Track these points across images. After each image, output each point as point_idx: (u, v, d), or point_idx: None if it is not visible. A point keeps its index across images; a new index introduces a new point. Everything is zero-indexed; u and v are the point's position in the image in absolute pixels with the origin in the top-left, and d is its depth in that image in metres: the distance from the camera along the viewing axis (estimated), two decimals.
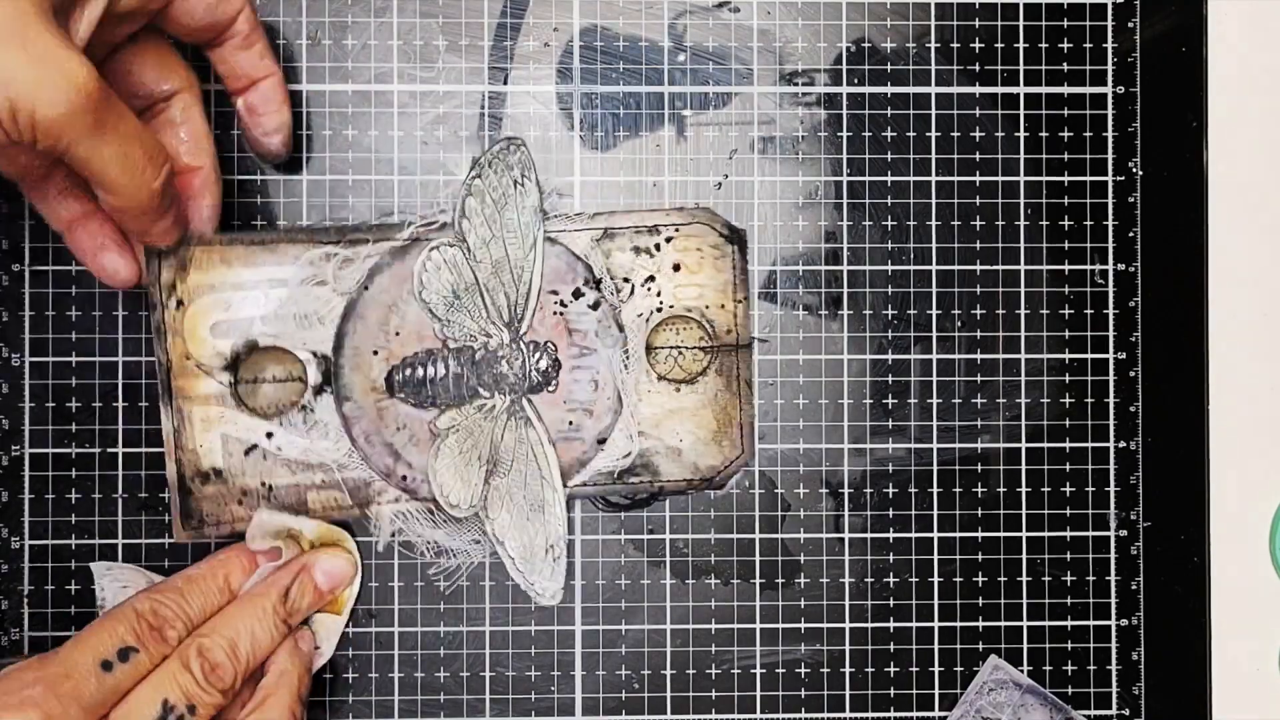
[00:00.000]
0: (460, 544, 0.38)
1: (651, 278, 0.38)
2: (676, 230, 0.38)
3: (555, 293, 0.38)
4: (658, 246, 0.38)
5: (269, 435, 0.37)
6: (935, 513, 0.40)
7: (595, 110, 0.39)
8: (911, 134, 0.40)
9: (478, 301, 0.37)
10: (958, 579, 0.40)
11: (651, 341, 0.38)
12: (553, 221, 0.38)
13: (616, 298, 0.38)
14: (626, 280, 0.38)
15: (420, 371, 0.37)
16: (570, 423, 0.38)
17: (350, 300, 0.37)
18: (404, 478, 0.37)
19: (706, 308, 0.38)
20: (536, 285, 0.37)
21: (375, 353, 0.37)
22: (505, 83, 0.39)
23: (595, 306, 0.37)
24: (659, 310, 0.38)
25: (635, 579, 0.39)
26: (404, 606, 0.39)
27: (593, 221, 0.38)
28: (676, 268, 0.38)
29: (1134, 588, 0.40)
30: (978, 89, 0.40)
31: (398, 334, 0.37)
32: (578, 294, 0.38)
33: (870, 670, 0.39)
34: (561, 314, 0.38)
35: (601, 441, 0.38)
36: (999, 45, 0.40)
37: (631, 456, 0.38)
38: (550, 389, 0.38)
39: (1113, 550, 0.40)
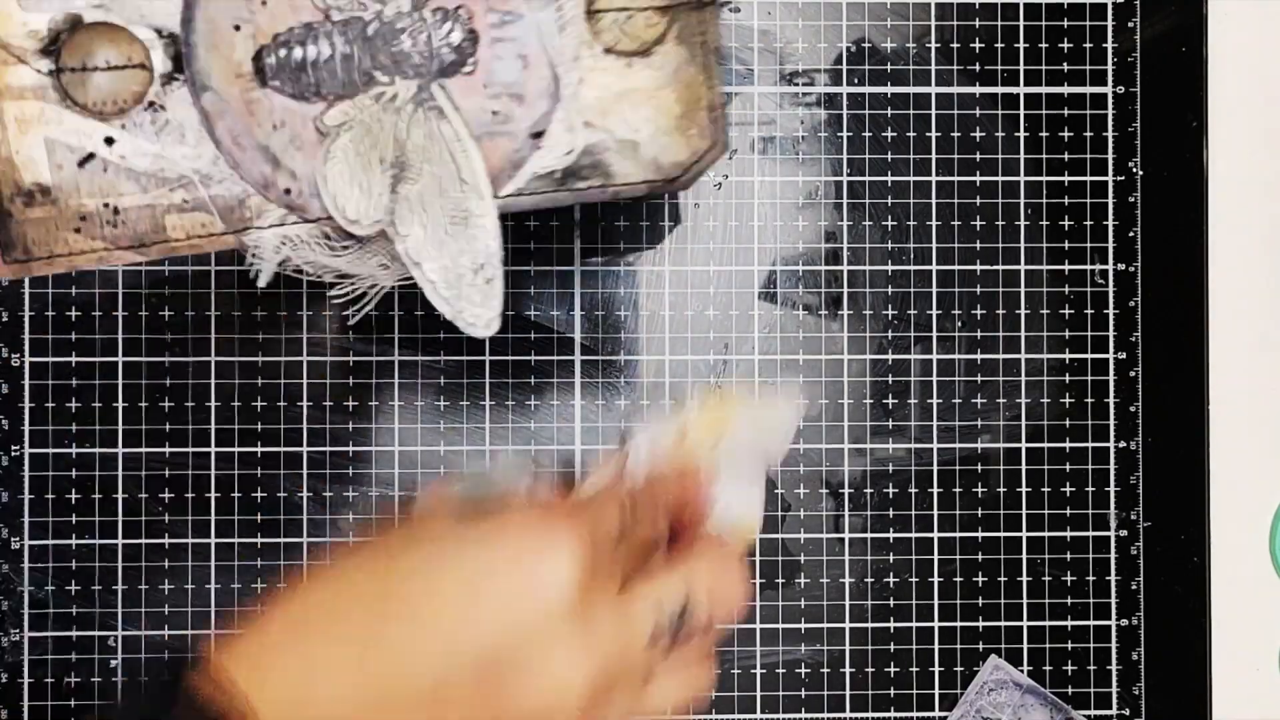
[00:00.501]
0: (366, 269, 0.31)
1: None
2: None
3: None
4: None
5: (109, 141, 0.29)
6: (935, 513, 0.40)
7: None
8: (911, 134, 0.40)
9: None
10: (958, 579, 0.40)
11: (593, 3, 0.30)
12: None
13: None
14: None
15: (298, 52, 0.29)
16: (495, 112, 0.30)
17: None
18: (287, 191, 0.30)
19: None
20: None
21: (237, 28, 0.29)
22: None
23: None
24: None
25: None
26: None
27: None
28: None
29: (1134, 588, 0.40)
30: (978, 89, 0.40)
31: (264, 3, 0.29)
32: None
33: (870, 670, 0.39)
34: None
35: (537, 136, 0.30)
36: (999, 45, 0.40)
37: (575, 154, 0.30)
38: (466, 70, 0.30)
39: (1113, 550, 0.40)
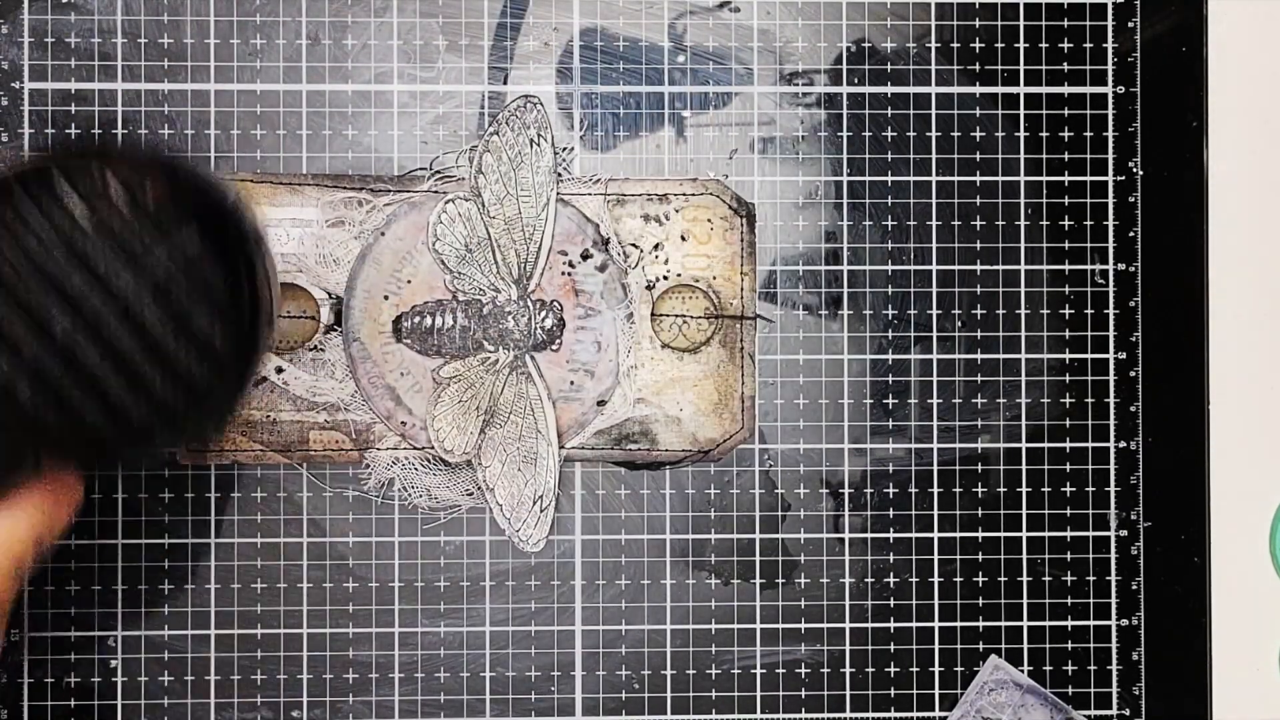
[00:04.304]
0: (453, 495, 0.38)
1: (659, 245, 0.38)
2: (686, 200, 0.38)
3: (564, 253, 0.38)
4: (667, 215, 0.38)
5: (279, 370, 0.38)
6: (935, 513, 0.40)
7: (595, 110, 0.39)
8: (911, 134, 0.40)
9: (489, 256, 0.38)
10: (958, 579, 0.40)
11: (657, 309, 0.39)
12: (566, 183, 0.38)
13: (624, 262, 0.38)
14: (635, 246, 0.38)
15: (428, 320, 0.38)
16: (571, 382, 0.38)
17: (366, 244, 0.38)
18: (403, 423, 0.38)
19: (714, 278, 0.39)
20: (547, 245, 0.38)
21: (386, 298, 0.38)
22: (505, 83, 0.39)
23: (603, 269, 0.38)
24: (665, 278, 0.39)
25: (635, 579, 0.39)
26: (404, 606, 0.39)
27: (605, 186, 0.39)
28: (684, 237, 0.38)
29: (1134, 588, 0.40)
30: (978, 89, 0.40)
31: (409, 282, 0.38)
32: (586, 255, 0.38)
33: (870, 670, 0.39)
34: (569, 274, 0.38)
35: (601, 404, 0.38)
36: (999, 45, 0.40)
37: (630, 422, 0.38)
38: (554, 347, 0.38)
39: (1113, 550, 0.40)
